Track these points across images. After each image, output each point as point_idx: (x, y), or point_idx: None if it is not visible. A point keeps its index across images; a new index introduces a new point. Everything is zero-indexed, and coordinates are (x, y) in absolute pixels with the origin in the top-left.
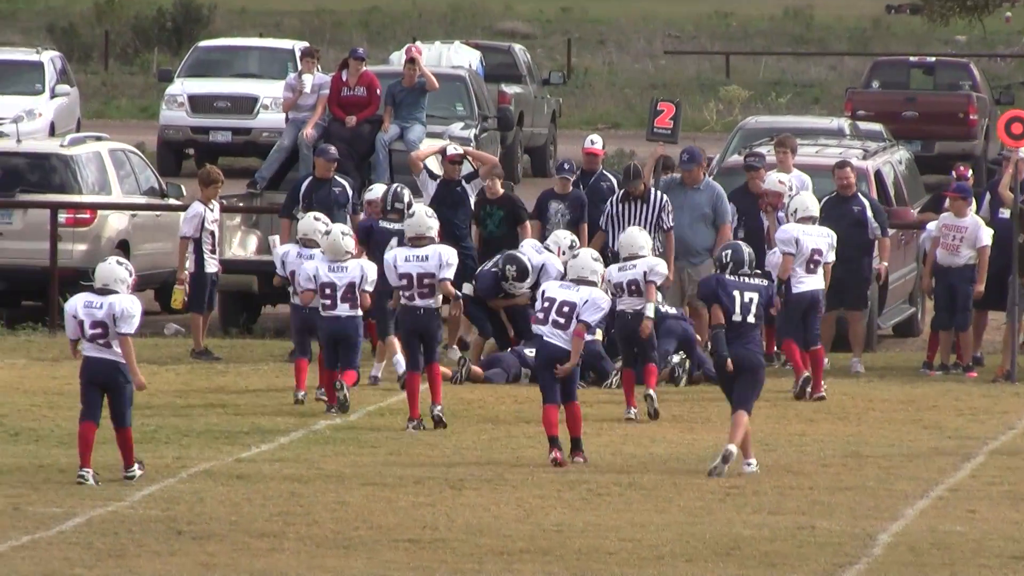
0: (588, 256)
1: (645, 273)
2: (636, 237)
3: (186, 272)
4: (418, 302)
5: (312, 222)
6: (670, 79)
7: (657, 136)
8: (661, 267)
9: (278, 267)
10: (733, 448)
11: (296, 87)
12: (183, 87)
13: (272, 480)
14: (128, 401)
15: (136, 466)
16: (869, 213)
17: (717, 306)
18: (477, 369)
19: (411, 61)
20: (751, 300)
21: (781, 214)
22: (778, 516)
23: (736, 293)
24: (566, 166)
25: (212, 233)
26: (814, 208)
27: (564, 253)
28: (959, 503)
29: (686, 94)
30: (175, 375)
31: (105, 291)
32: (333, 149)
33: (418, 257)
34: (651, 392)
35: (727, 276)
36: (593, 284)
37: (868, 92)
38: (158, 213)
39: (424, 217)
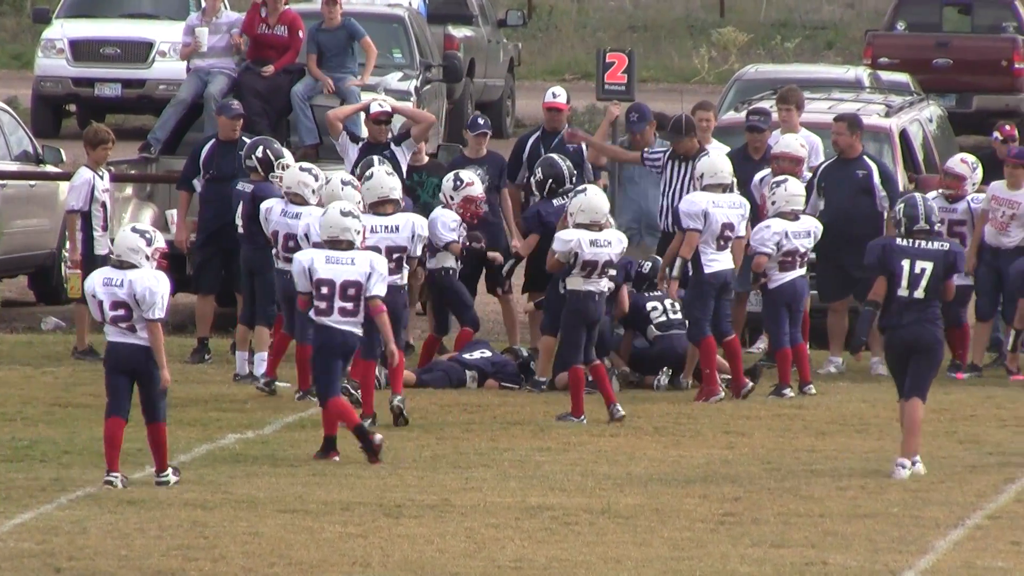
0: (336, 213)
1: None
2: (599, 202)
3: (79, 254)
4: None
5: (297, 173)
6: (652, 20)
7: (609, 94)
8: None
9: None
10: (916, 460)
11: (197, 30)
12: (63, 30)
13: (170, 506)
14: (161, 391)
15: (171, 471)
16: (877, 179)
17: (881, 278)
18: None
19: (331, 1)
20: (923, 271)
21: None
22: (783, 549)
23: (905, 263)
24: (480, 121)
25: (103, 205)
26: (726, 173)
27: (452, 198)
28: (1001, 533)
29: (672, 38)
30: (53, 378)
31: (124, 264)
32: (237, 104)
33: (386, 227)
34: (618, 409)
35: (898, 240)
36: (352, 244)
37: (892, 35)
38: (33, 183)
39: (384, 177)
